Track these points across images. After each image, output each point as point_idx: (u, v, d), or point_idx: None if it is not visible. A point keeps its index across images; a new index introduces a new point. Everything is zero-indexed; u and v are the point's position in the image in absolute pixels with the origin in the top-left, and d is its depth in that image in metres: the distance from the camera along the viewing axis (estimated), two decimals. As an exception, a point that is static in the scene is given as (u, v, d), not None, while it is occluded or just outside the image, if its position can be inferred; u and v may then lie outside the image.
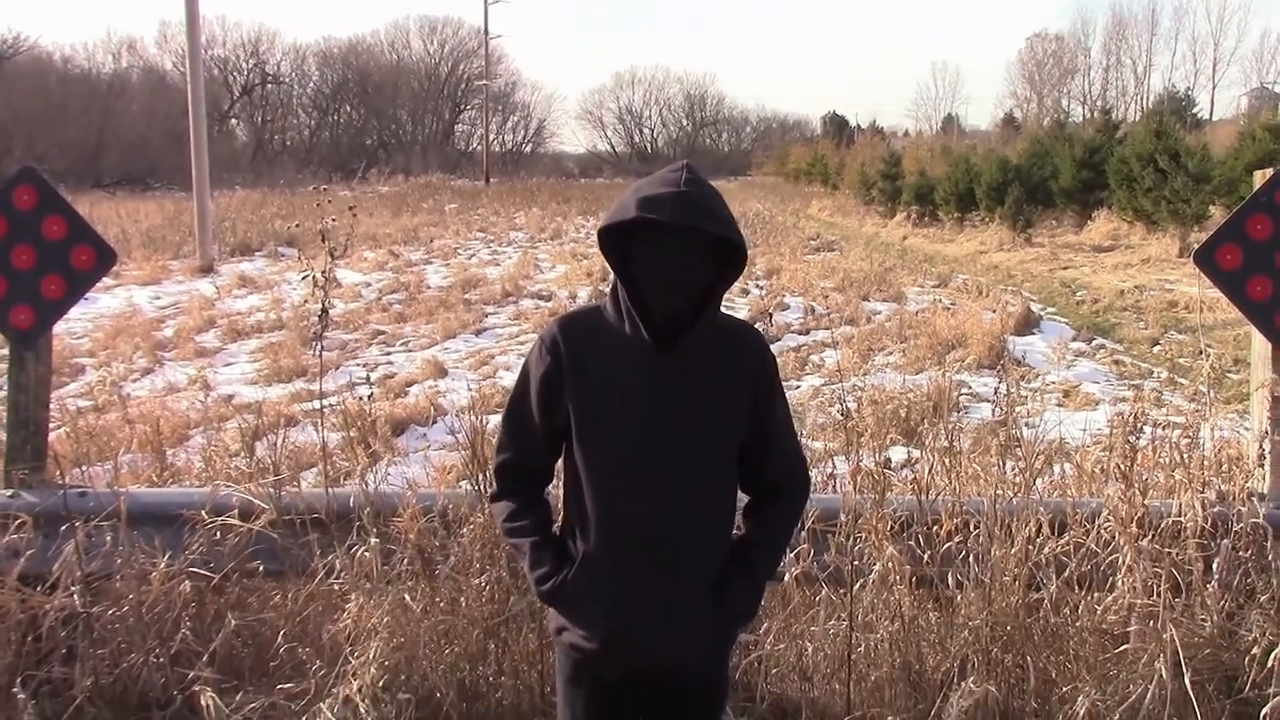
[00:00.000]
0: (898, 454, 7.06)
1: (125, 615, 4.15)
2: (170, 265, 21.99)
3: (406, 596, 4.08)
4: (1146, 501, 4.03)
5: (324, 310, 4.54)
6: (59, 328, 4.88)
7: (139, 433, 6.29)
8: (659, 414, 2.54)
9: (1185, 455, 4.37)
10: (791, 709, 4.11)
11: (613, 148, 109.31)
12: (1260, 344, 4.50)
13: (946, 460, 4.56)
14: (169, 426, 7.96)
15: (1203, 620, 3.93)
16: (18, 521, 4.23)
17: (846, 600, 4.10)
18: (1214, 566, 3.92)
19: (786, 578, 4.04)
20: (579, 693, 2.72)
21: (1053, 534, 4.07)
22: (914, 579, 4.09)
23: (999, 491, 4.18)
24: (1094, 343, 13.41)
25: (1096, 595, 4.02)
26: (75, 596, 4.10)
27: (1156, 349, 12.93)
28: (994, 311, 14.55)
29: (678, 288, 2.49)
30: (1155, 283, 17.92)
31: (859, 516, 4.12)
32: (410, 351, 13.38)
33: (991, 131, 65.93)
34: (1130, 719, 3.71)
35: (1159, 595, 3.83)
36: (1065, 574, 4.00)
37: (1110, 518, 4.02)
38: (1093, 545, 4.02)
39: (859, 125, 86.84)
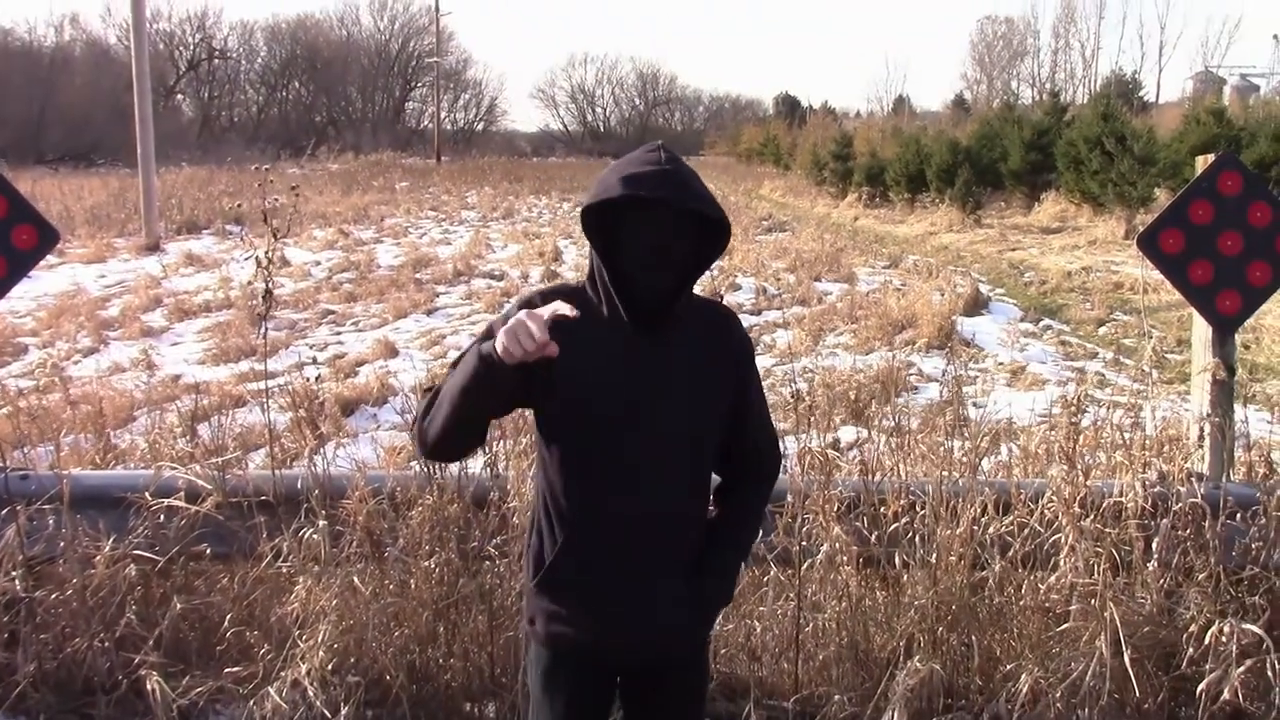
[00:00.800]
0: (847, 434, 7.12)
1: (69, 599, 4.11)
2: (115, 243, 21.64)
3: (355, 579, 4.06)
4: (1089, 482, 4.09)
5: (268, 291, 4.48)
6: (0, 307, 4.79)
7: (82, 414, 6.21)
8: (645, 398, 2.49)
9: (1127, 436, 4.45)
10: (740, 688, 4.14)
11: (565, 127, 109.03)
12: (1201, 327, 4.58)
13: (894, 441, 4.60)
14: (113, 407, 7.85)
15: (1142, 599, 4.00)
16: (-43, 505, 4.16)
17: (794, 580, 4.13)
18: (1154, 546, 3.98)
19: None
20: (558, 685, 2.63)
21: (997, 514, 4.12)
22: (861, 559, 4.12)
23: (944, 472, 4.23)
24: (1041, 323, 13.58)
25: (1039, 574, 4.08)
26: (17, 581, 4.05)
27: (1102, 330, 13.12)
28: (943, 293, 14.68)
29: (666, 265, 2.47)
30: (1102, 264, 18.15)
31: (806, 497, 4.14)
32: (361, 331, 13.28)
33: (942, 113, 66.17)
34: (1071, 696, 3.78)
35: (1100, 574, 3.89)
36: (1009, 554, 4.06)
37: (1054, 498, 4.07)
38: (1036, 525, 4.07)
39: (811, 106, 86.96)
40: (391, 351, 11.76)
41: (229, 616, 4.14)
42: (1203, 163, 4.61)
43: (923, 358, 11.25)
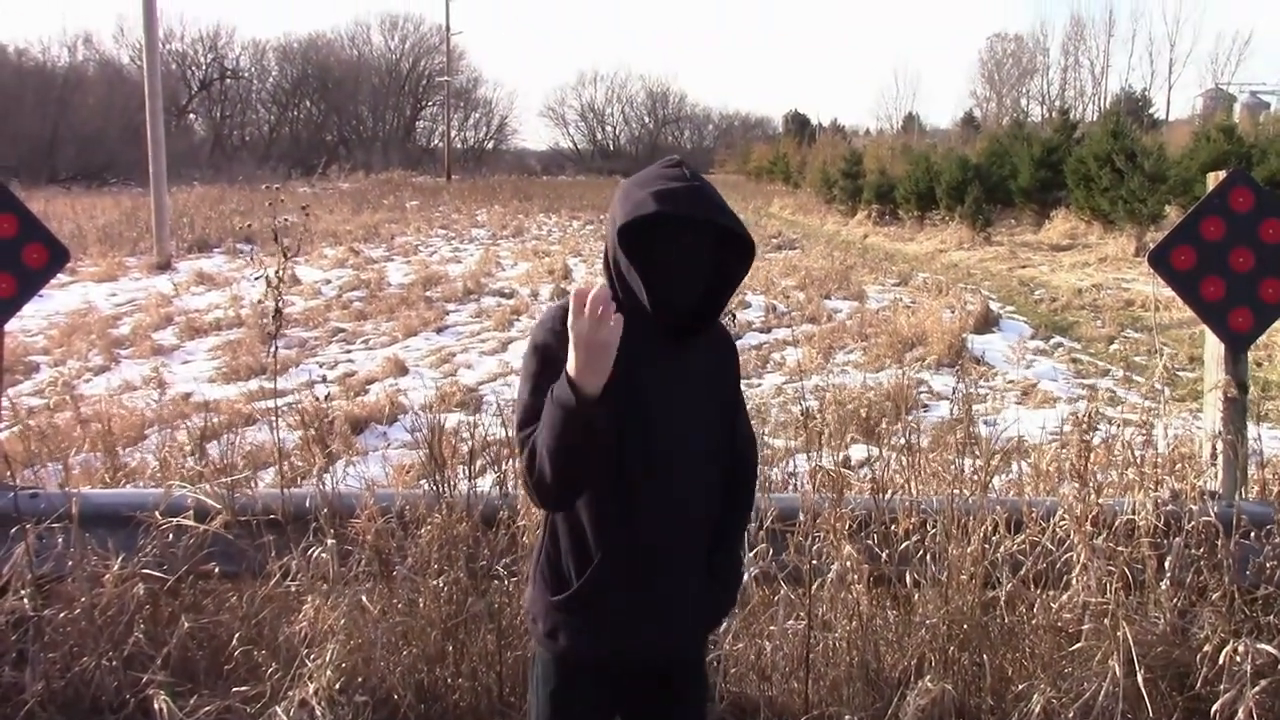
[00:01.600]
0: (858, 452, 7.10)
1: (77, 618, 4.10)
2: (127, 262, 21.70)
3: (363, 598, 4.04)
4: (1100, 500, 4.07)
5: (278, 309, 4.49)
6: (12, 325, 4.81)
7: (92, 432, 6.22)
8: (673, 411, 2.51)
9: (1139, 454, 4.42)
10: (750, 708, 4.11)
11: (575, 145, 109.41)
12: (1214, 344, 4.56)
13: (905, 459, 4.58)
14: (123, 426, 7.87)
15: (1155, 618, 3.96)
16: (-34, 523, 4.15)
17: (805, 599, 4.11)
18: (1166, 564, 3.95)
19: (745, 577, 4.04)
20: (574, 695, 2.63)
21: (1009, 532, 4.09)
22: (872, 578, 4.10)
23: (956, 490, 4.21)
24: (1052, 341, 13.54)
25: (1051, 593, 4.05)
26: (26, 600, 4.04)
27: (1113, 347, 13.07)
28: (953, 310, 14.66)
29: (699, 278, 2.51)
30: (1112, 281, 18.13)
31: (817, 516, 4.13)
32: (371, 349, 13.29)
33: (952, 130, 66.28)
34: (1084, 716, 3.75)
35: (1112, 593, 3.86)
36: (1021, 572, 4.03)
37: (1065, 516, 4.05)
38: (1048, 543, 4.04)
39: (820, 124, 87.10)
40: (401, 369, 11.76)
41: (237, 635, 4.12)
42: (1214, 179, 4.60)
43: (933, 375, 11.24)
